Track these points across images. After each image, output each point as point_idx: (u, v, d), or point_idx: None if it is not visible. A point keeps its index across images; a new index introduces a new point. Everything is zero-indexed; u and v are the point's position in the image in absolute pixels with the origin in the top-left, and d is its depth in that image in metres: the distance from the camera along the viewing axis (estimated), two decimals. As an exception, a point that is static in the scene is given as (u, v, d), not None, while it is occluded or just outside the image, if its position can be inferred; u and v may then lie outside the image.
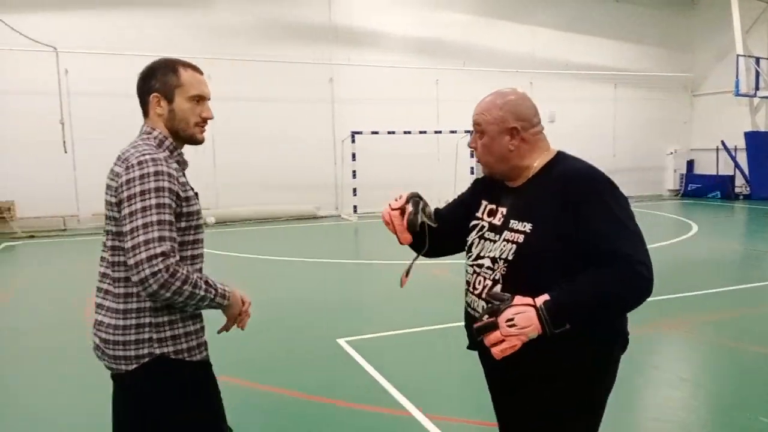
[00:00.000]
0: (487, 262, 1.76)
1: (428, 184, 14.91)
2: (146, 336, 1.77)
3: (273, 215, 14.32)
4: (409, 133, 14.44)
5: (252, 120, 14.38)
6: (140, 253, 1.64)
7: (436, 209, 2.05)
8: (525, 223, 1.69)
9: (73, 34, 12.70)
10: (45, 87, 12.39)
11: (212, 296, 1.81)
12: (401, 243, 1.96)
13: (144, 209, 1.68)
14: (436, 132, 15.18)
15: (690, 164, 19.17)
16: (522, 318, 1.53)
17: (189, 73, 1.91)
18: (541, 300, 1.55)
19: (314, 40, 14.81)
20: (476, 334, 1.58)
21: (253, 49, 14.12)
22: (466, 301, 1.86)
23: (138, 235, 1.65)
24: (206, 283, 1.80)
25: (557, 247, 1.62)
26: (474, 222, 1.91)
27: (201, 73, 1.95)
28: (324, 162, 15.36)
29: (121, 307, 1.79)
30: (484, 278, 1.76)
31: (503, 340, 1.53)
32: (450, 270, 6.81)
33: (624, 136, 18.47)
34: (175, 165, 1.84)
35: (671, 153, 19.00)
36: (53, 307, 6.48)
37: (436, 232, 1.95)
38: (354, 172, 14.37)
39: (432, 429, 3.36)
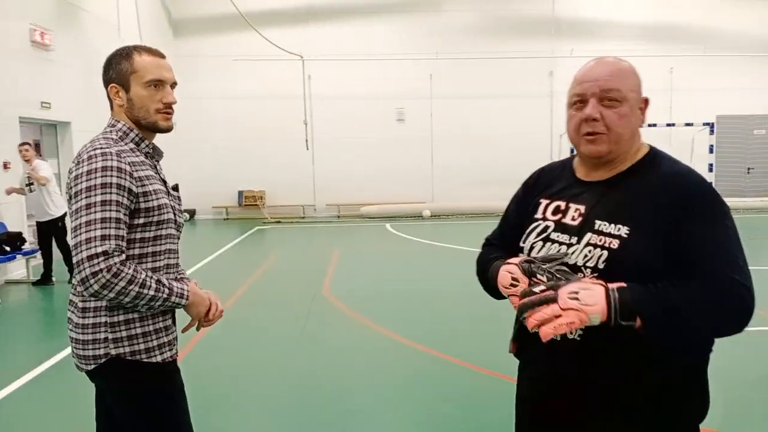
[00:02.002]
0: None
1: (656, 181, 13.76)
2: (102, 336, 1.71)
3: (486, 210, 14.50)
4: (636, 126, 13.45)
5: (470, 116, 14.73)
6: (81, 252, 1.58)
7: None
8: (619, 226, 1.38)
9: (315, 44, 14.33)
10: (292, 91, 14.19)
11: (165, 296, 1.71)
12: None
13: (88, 206, 1.61)
14: (668, 125, 13.94)
15: None
16: (587, 294, 1.27)
17: (144, 57, 1.78)
18: (615, 284, 1.29)
19: (535, 33, 14.61)
20: (522, 309, 1.31)
21: (474, 46, 14.43)
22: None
23: (80, 233, 1.60)
24: (158, 282, 1.70)
25: (659, 260, 1.33)
26: (533, 224, 1.56)
27: (161, 56, 1.82)
28: (540, 157, 15.08)
29: (81, 305, 1.74)
30: None
31: (558, 316, 1.26)
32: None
33: None
34: (139, 158, 1.77)
35: None
36: (296, 281, 7.48)
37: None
38: (572, 168, 13.87)
39: None
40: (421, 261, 9.14)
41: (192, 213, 14.83)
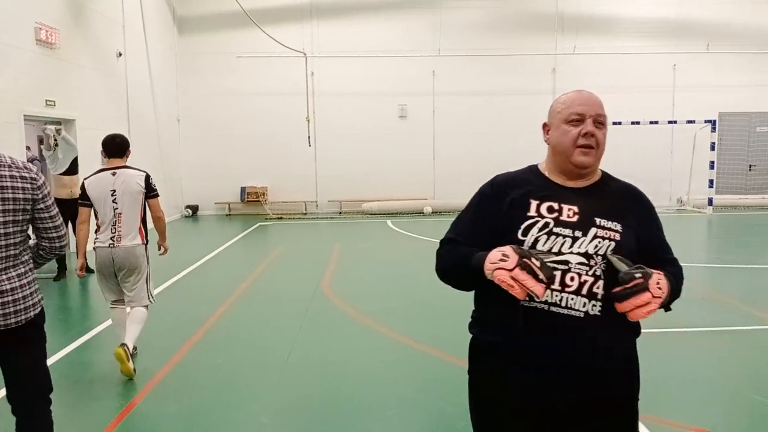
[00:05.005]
0: (576, 258, 1.67)
1: (658, 179, 13.77)
2: (35, 289, 2.44)
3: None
4: (638, 123, 13.47)
5: (472, 113, 14.76)
6: (63, 226, 2.58)
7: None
8: (615, 223, 1.73)
9: (318, 41, 14.36)
10: (295, 88, 14.22)
11: None
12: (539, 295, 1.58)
13: (53, 200, 2.56)
14: (670, 122, 13.94)
15: None
16: (664, 284, 1.59)
17: None
18: (661, 273, 1.63)
19: (538, 30, 14.62)
20: (619, 297, 1.57)
21: (477, 43, 14.44)
22: (544, 301, 1.65)
23: (58, 217, 2.55)
24: None
25: (636, 248, 1.73)
26: (529, 221, 1.74)
27: None
28: (542, 154, 15.07)
29: (22, 270, 2.40)
30: (579, 275, 1.66)
31: (647, 303, 1.55)
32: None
33: None
34: None
35: None
36: (297, 278, 7.54)
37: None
38: (574, 165, 13.88)
39: None
40: (420, 258, 9.17)
41: (195, 209, 14.90)
